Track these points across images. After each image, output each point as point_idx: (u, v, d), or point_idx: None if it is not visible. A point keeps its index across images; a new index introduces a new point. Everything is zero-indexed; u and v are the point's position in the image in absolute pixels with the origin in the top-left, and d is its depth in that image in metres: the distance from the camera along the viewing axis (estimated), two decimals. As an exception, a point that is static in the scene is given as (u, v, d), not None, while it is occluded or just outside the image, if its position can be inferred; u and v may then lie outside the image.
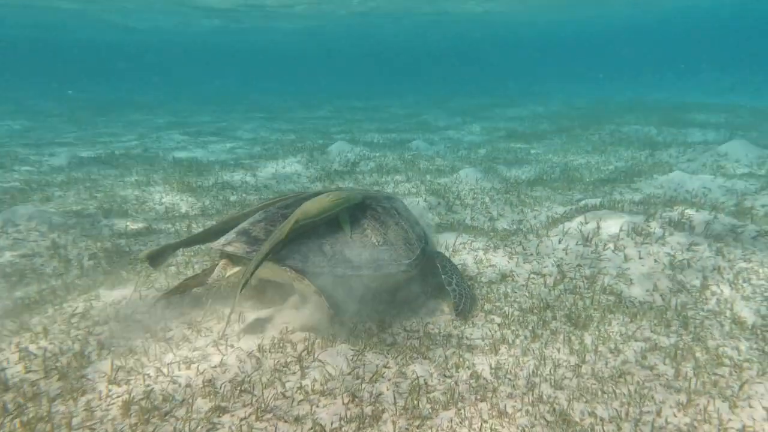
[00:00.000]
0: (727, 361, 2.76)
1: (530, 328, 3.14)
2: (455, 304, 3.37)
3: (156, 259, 3.47)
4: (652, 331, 3.12)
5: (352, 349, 2.53)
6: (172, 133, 12.02)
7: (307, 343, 2.54)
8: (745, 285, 3.66)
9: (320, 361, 2.38)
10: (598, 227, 4.63)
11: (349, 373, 2.36)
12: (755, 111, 16.30)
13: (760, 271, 3.80)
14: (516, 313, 3.38)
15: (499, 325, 3.18)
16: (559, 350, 2.86)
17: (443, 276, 3.57)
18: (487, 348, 2.89)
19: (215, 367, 2.49)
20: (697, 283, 3.77)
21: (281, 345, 2.56)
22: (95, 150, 9.36)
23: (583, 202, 5.73)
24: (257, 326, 2.93)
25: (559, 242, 4.53)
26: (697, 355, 2.84)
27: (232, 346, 2.51)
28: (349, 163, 8.00)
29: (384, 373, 2.41)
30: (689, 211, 4.87)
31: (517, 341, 2.99)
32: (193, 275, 3.45)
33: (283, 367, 2.34)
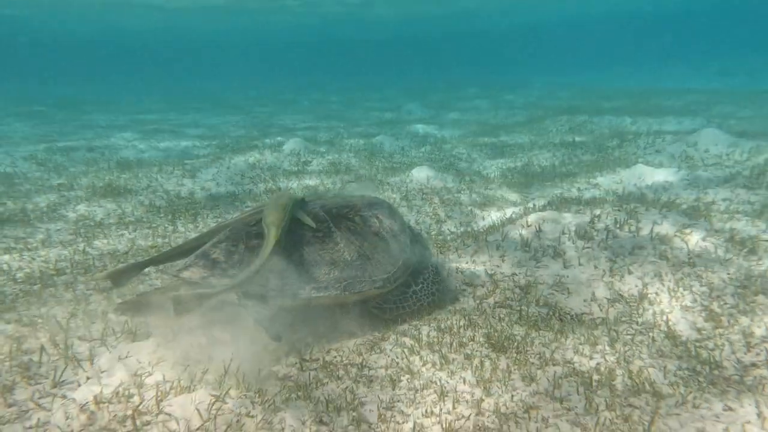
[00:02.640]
0: (647, 387, 2.47)
1: (443, 352, 2.83)
2: (388, 300, 3.18)
3: (119, 278, 3.17)
4: (575, 352, 2.82)
5: (213, 394, 2.19)
6: (126, 132, 11.49)
7: (160, 388, 2.20)
8: (685, 293, 3.38)
9: (167, 413, 2.04)
10: (540, 230, 4.33)
11: (197, 429, 2.01)
12: (737, 96, 16.11)
13: (704, 276, 3.52)
14: (432, 333, 3.06)
15: (408, 349, 2.86)
16: (465, 381, 2.55)
17: (408, 278, 3.36)
18: (386, 380, 2.57)
19: (28, 429, 2.02)
20: (636, 291, 3.49)
21: (128, 393, 2.20)
22: (35, 149, 8.85)
23: (531, 203, 5.43)
24: (118, 364, 2.53)
25: (497, 248, 4.22)
26: (617, 380, 2.55)
27: (64, 397, 2.15)
28: (300, 163, 7.62)
29: (243, 425, 2.07)
30: (638, 210, 4.59)
31: (423, 369, 2.67)
32: (152, 290, 3.14)
33: (119, 423, 1.98)
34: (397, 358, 2.78)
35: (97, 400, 2.08)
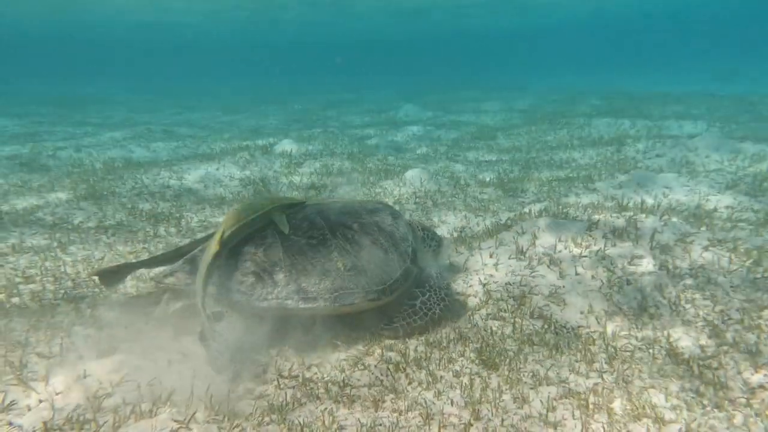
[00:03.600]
0: (648, 412, 2.30)
1: (430, 369, 2.65)
2: (397, 319, 3.04)
3: (109, 277, 3.08)
4: (570, 370, 2.65)
5: (176, 420, 2.01)
6: (118, 131, 11.28)
7: (119, 413, 2.01)
8: (687, 306, 3.21)
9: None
10: (535, 237, 4.16)
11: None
12: (739, 101, 15.97)
13: (707, 288, 3.36)
14: (420, 348, 2.89)
15: (394, 365, 2.68)
16: (452, 402, 2.37)
17: (414, 289, 3.24)
18: (369, 400, 2.39)
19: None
20: (635, 304, 3.32)
21: (82, 419, 2.00)
22: (21, 148, 8.65)
23: (527, 208, 5.27)
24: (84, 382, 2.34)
25: (491, 256, 4.05)
26: (616, 402, 2.38)
27: (9, 425, 1.96)
28: (291, 164, 7.44)
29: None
30: (638, 217, 4.43)
31: (409, 389, 2.50)
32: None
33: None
34: (382, 375, 2.60)
35: (47, 428, 1.90)
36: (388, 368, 2.64)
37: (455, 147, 10.12)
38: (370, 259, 3.12)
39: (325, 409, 2.29)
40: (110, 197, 5.36)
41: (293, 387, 2.49)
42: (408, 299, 3.19)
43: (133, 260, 3.60)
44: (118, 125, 13.38)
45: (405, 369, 2.64)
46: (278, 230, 3.08)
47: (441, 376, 2.59)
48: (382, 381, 2.54)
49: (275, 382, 2.51)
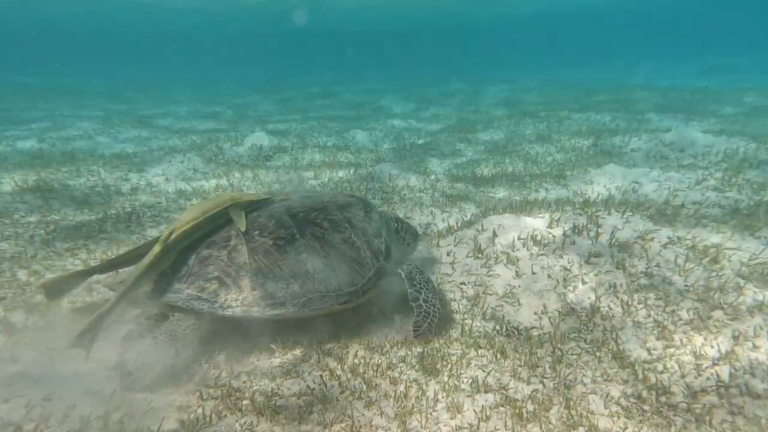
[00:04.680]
0: (584, 420, 2.21)
1: (367, 376, 2.54)
2: (417, 323, 2.92)
3: (56, 289, 2.88)
4: (512, 375, 2.55)
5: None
6: (87, 122, 10.92)
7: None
8: (639, 307, 3.14)
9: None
10: (495, 234, 4.06)
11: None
12: (721, 94, 15.97)
13: (661, 288, 3.28)
14: (360, 353, 2.77)
15: (329, 372, 2.56)
16: (382, 413, 2.26)
17: (409, 290, 3.07)
18: (295, 412, 2.26)
19: None
20: (588, 304, 3.24)
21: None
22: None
23: (494, 204, 5.16)
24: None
25: (448, 254, 3.94)
26: (553, 411, 2.29)
27: None
28: (260, 158, 7.23)
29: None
30: (600, 214, 4.35)
31: (341, 398, 2.38)
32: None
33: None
34: (314, 383, 2.48)
35: None
36: (322, 376, 2.52)
37: (433, 140, 9.98)
38: (342, 258, 2.99)
39: (246, 423, 2.16)
40: (61, 190, 5.13)
41: (217, 398, 2.35)
42: (413, 301, 3.06)
43: (82, 268, 3.37)
44: (90, 116, 12.98)
45: (340, 376, 2.52)
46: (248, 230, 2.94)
47: (376, 384, 2.48)
48: (313, 390, 2.42)
49: (198, 393, 2.37)
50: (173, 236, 2.77)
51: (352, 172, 6.70)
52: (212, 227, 2.99)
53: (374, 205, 3.71)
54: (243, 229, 2.93)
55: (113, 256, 3.12)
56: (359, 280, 2.97)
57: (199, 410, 2.22)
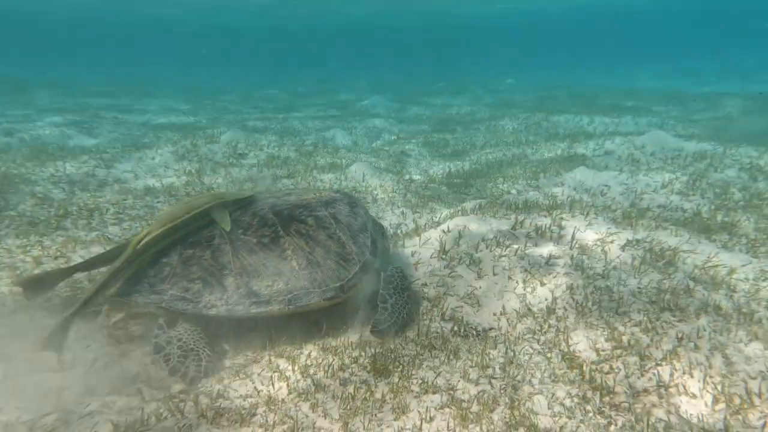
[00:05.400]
0: (526, 420, 2.24)
1: (317, 377, 2.53)
2: (377, 321, 2.91)
3: (34, 287, 2.78)
4: (462, 376, 2.57)
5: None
6: (60, 116, 10.65)
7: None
8: (593, 308, 3.19)
9: None
10: (460, 236, 4.09)
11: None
12: (702, 98, 16.22)
13: (615, 289, 3.35)
14: (314, 354, 2.76)
15: (279, 373, 2.54)
16: (326, 415, 2.25)
17: (381, 291, 3.07)
18: (237, 414, 2.24)
19: None
20: (545, 306, 3.28)
21: None
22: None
23: (461, 206, 5.20)
24: None
25: (412, 255, 3.95)
26: (497, 412, 2.31)
27: None
28: (235, 155, 7.15)
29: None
30: (564, 216, 4.41)
31: (287, 399, 2.37)
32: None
33: None
34: (262, 384, 2.46)
35: None
36: (272, 377, 2.50)
37: (413, 140, 10.00)
38: (327, 254, 2.98)
39: (184, 425, 2.13)
40: (21, 185, 4.98)
41: (160, 399, 2.32)
42: (380, 302, 3.05)
43: (63, 265, 3.28)
44: (65, 110, 12.67)
45: (289, 378, 2.50)
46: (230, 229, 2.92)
47: (326, 385, 2.47)
48: (260, 392, 2.40)
49: (140, 395, 2.33)
50: (147, 238, 2.73)
51: (326, 171, 6.67)
52: (193, 227, 2.96)
53: (358, 200, 3.71)
54: (227, 228, 2.92)
55: (94, 255, 3.04)
56: (345, 275, 2.96)
57: (138, 413, 2.18)
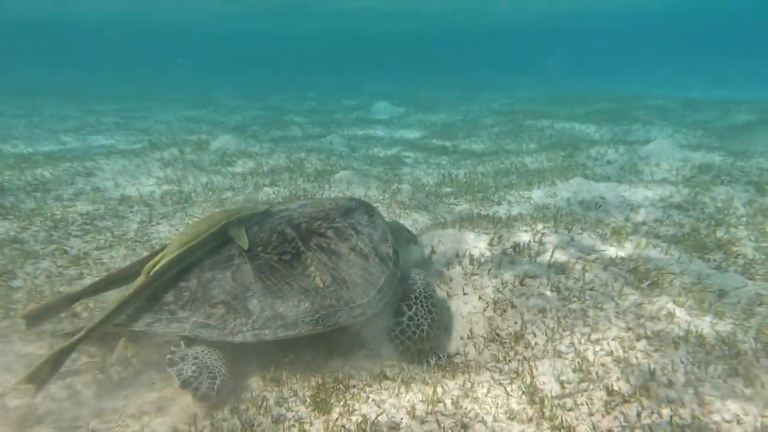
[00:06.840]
0: (468, 469, 2.01)
1: (248, 415, 2.33)
2: (394, 337, 2.86)
3: (36, 318, 2.64)
4: (408, 412, 2.35)
5: None
6: (62, 122, 10.80)
7: None
8: (565, 334, 2.93)
9: None
10: (434, 252, 3.87)
11: None
12: (718, 107, 15.64)
13: (591, 313, 3.08)
14: (254, 385, 2.57)
15: (205, 411, 2.36)
16: (248, 454, 2.06)
17: (399, 303, 2.98)
18: (157, 449, 2.06)
19: None
20: (513, 331, 3.03)
21: None
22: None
23: (443, 218, 4.97)
24: None
25: (380, 272, 3.74)
26: (438, 456, 2.08)
27: None
28: (222, 162, 7.06)
29: None
30: (546, 232, 4.15)
31: (225, 427, 2.18)
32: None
33: None
34: (184, 424, 2.28)
35: None
36: (195, 415, 2.31)
37: (411, 148, 9.82)
38: (351, 269, 2.85)
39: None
40: (-1, 195, 4.95)
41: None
42: (394, 315, 2.93)
43: (68, 292, 3.08)
44: (68, 117, 12.88)
45: (213, 416, 2.31)
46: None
47: (258, 423, 2.28)
48: (194, 421, 2.22)
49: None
50: (162, 262, 2.58)
51: (312, 178, 6.52)
52: (209, 248, 2.82)
53: (375, 207, 3.56)
54: (245, 247, 2.77)
55: (98, 279, 2.85)
56: (371, 290, 2.83)
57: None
